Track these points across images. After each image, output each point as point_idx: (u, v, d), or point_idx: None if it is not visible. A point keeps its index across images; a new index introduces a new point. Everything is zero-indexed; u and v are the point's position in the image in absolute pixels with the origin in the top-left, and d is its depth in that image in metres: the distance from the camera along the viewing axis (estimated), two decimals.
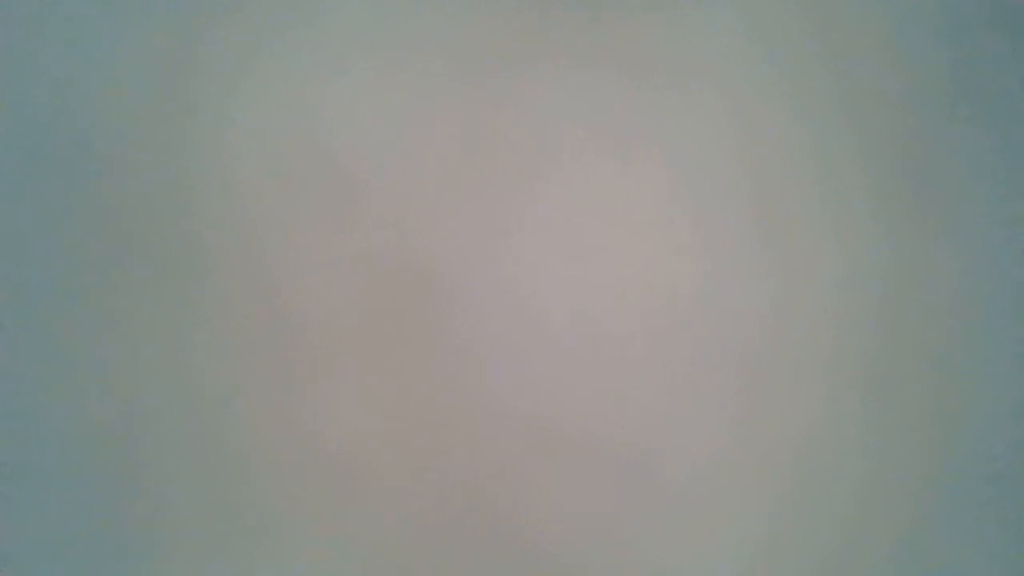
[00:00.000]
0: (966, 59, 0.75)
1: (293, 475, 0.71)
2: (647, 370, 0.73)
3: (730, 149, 0.74)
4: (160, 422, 0.71)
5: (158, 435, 0.71)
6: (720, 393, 0.73)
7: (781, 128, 0.74)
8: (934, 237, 0.74)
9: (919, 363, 0.74)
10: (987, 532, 0.73)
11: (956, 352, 0.74)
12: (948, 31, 0.75)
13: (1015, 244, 0.74)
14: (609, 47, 0.74)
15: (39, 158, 0.72)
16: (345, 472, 0.71)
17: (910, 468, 0.73)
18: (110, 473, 0.71)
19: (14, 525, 0.71)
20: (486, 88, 0.73)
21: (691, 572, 0.72)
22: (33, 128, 0.72)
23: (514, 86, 0.73)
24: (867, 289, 0.74)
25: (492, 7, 0.73)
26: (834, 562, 0.73)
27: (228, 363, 0.71)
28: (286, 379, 0.72)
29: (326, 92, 0.73)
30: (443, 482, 0.72)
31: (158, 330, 0.71)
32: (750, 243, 0.73)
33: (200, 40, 0.73)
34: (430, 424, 0.72)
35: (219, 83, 0.72)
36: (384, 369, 0.72)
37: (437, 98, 0.73)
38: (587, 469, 0.72)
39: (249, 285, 0.72)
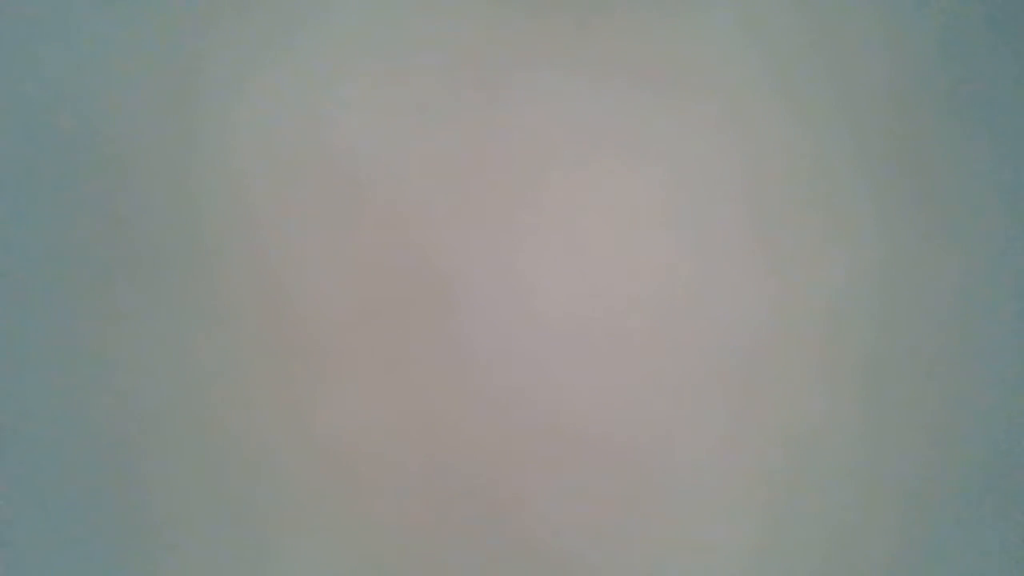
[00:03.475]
0: (966, 60, 0.75)
1: (296, 474, 0.71)
2: (648, 370, 0.73)
3: (729, 150, 0.74)
4: (163, 421, 0.71)
5: (160, 434, 0.71)
6: (720, 393, 0.73)
7: (780, 129, 0.74)
8: (933, 237, 0.74)
9: (918, 363, 0.74)
10: (987, 532, 0.73)
11: (955, 352, 0.74)
12: (948, 32, 0.75)
13: (1015, 244, 0.74)
14: (609, 49, 0.74)
15: (42, 159, 0.72)
16: (348, 471, 0.71)
17: (909, 467, 0.73)
18: (112, 473, 0.71)
19: (14, 525, 0.71)
20: (488, 90, 0.73)
21: (691, 572, 0.72)
22: (36, 129, 0.72)
23: (516, 88, 0.73)
24: (866, 289, 0.74)
25: (494, 10, 0.74)
26: (833, 561, 0.73)
27: (232, 363, 0.71)
28: (289, 378, 0.72)
29: (330, 93, 0.73)
30: (446, 481, 0.72)
31: (161, 330, 0.72)
32: (750, 244, 0.74)
33: (204, 41, 0.73)
34: (433, 423, 0.72)
35: (223, 84, 0.73)
36: (388, 369, 0.72)
37: (439, 100, 0.73)
38: (588, 468, 0.72)
39: (253, 285, 0.72)
